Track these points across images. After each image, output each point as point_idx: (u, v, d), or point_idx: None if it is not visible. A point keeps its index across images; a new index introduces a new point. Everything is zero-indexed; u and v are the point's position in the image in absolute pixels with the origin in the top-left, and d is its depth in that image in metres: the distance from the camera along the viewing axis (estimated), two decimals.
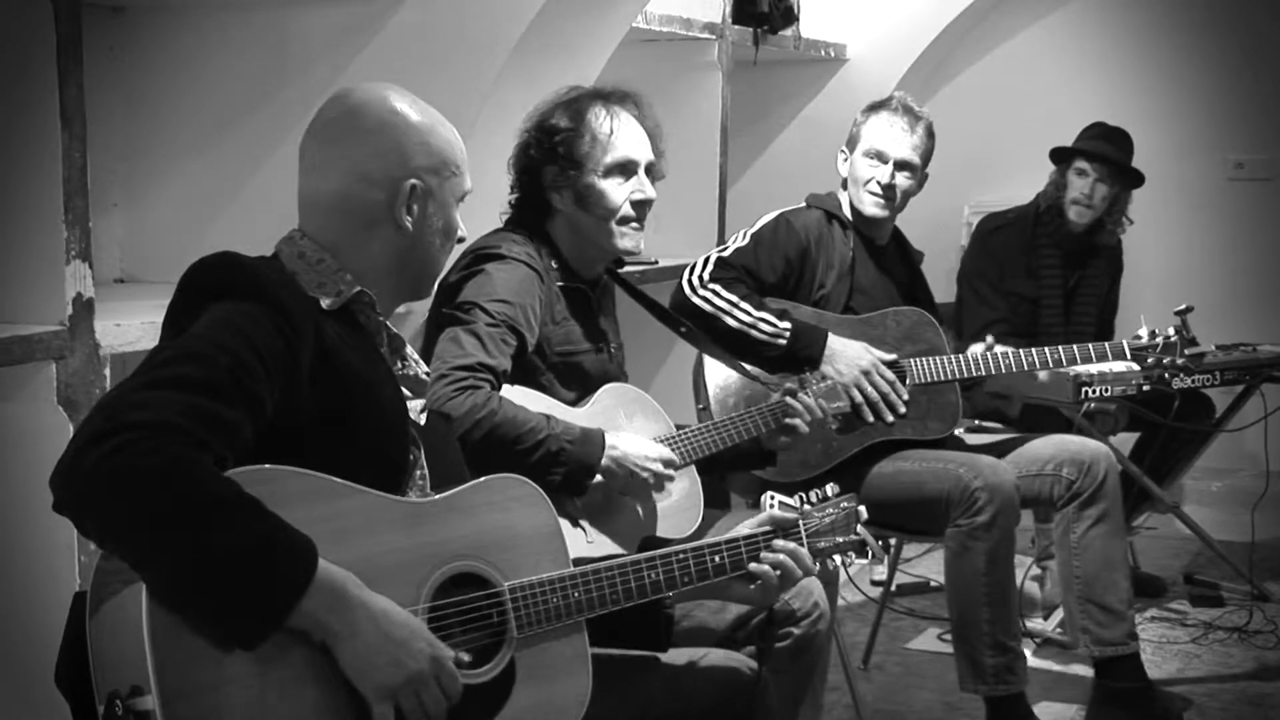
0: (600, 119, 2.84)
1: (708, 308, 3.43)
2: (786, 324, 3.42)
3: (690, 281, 3.48)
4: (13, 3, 2.32)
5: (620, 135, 2.83)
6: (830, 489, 2.33)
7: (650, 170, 2.88)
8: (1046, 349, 3.64)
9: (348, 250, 2.00)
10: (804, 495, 2.30)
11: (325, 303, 1.95)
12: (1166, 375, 3.74)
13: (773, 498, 2.28)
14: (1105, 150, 4.61)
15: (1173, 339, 3.67)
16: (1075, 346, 3.68)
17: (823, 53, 5.60)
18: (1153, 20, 6.18)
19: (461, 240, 2.15)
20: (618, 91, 2.91)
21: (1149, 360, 3.68)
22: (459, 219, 2.10)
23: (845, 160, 3.70)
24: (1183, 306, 3.81)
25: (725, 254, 3.54)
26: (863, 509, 2.32)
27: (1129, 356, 3.70)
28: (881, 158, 3.61)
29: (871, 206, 3.63)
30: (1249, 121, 6.11)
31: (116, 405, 1.66)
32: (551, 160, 2.85)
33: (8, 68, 2.35)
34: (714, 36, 4.59)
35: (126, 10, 3.46)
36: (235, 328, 1.79)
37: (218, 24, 3.42)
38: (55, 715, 1.80)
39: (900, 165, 3.61)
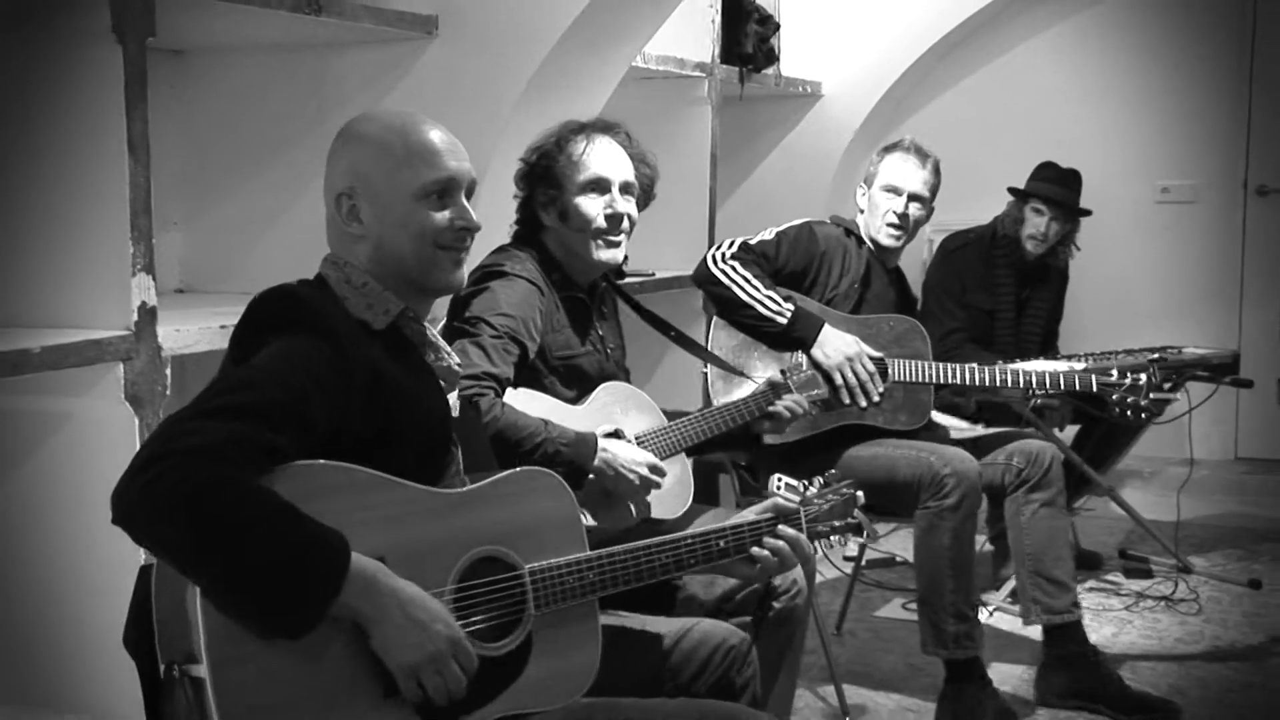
0: (577, 144, 2.81)
1: (724, 278, 3.47)
2: (790, 306, 3.45)
3: (714, 256, 3.52)
4: (87, 46, 2.33)
5: (593, 156, 2.79)
6: (831, 474, 2.29)
7: (627, 189, 2.84)
8: (1020, 369, 3.60)
9: (364, 270, 1.95)
10: (807, 482, 2.25)
11: (376, 326, 1.92)
12: (1129, 414, 3.64)
13: (780, 480, 2.24)
14: (1062, 195, 4.60)
15: (1140, 383, 3.59)
16: (1047, 374, 3.58)
17: (801, 89, 5.60)
18: (1088, 63, 6.25)
19: (468, 229, 1.97)
20: (600, 122, 2.88)
21: (1114, 397, 3.60)
22: (440, 213, 1.94)
23: (864, 195, 3.73)
24: (1157, 356, 3.77)
25: (750, 241, 3.57)
26: (860, 494, 2.27)
27: (1095, 391, 3.62)
28: (897, 191, 3.65)
29: (887, 237, 3.66)
30: (1173, 151, 6.17)
31: (169, 432, 1.64)
32: (539, 183, 2.84)
33: (82, 102, 2.36)
34: (704, 75, 4.59)
35: (186, 53, 3.46)
36: (292, 360, 1.77)
37: (265, 64, 3.42)
38: (125, 672, 1.81)
39: (913, 197, 3.65)
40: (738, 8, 4.89)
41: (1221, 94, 6.12)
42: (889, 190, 3.67)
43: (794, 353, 3.47)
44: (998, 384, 3.55)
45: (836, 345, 3.43)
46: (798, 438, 3.39)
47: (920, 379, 3.52)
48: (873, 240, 3.69)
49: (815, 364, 3.42)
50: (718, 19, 4.67)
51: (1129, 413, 3.58)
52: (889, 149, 3.75)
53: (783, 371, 3.10)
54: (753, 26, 4.96)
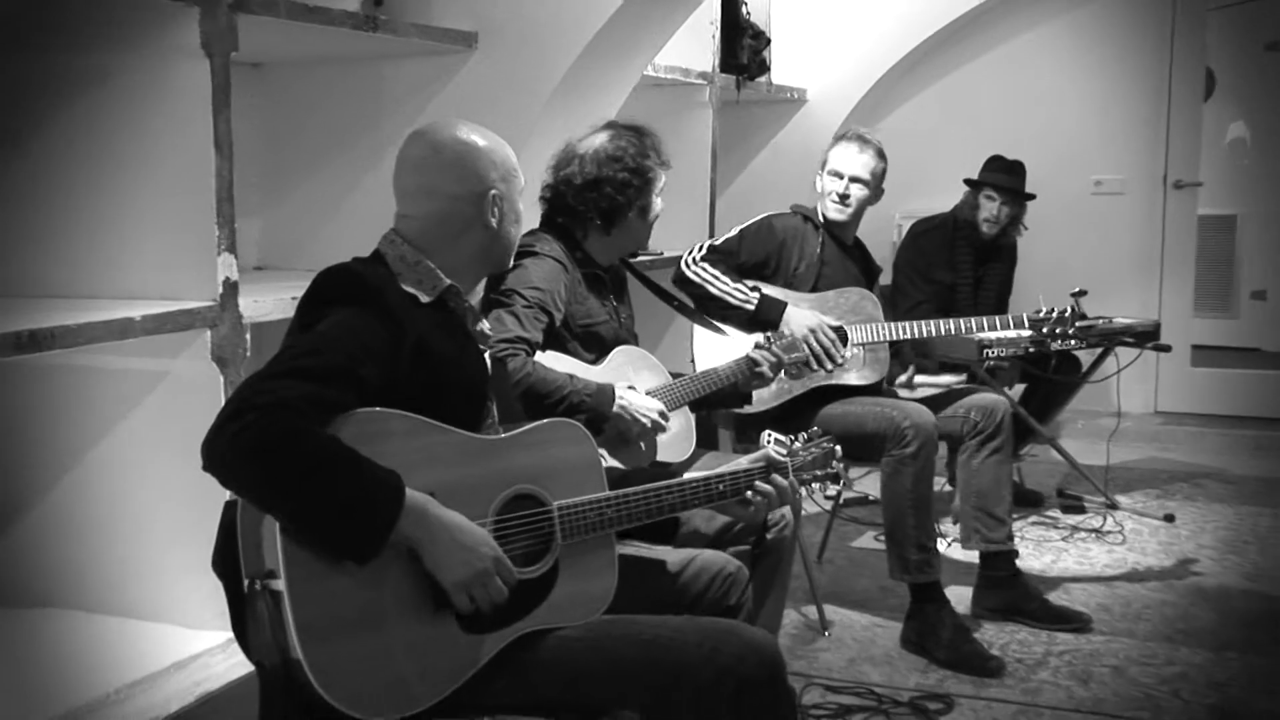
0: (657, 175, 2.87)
1: (696, 279, 3.47)
2: (756, 294, 3.44)
3: (686, 261, 3.52)
4: (180, 60, 2.35)
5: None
6: (814, 431, 2.29)
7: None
8: (961, 319, 3.63)
9: (442, 252, 1.98)
10: (793, 437, 2.26)
11: (424, 298, 1.93)
12: (1060, 343, 3.71)
13: (770, 436, 2.24)
14: (1010, 183, 4.65)
15: (1066, 314, 3.64)
16: (985, 318, 3.66)
17: (789, 95, 5.57)
18: (1035, 73, 6.23)
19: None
20: (632, 127, 2.90)
21: (1044, 330, 3.66)
22: (520, 204, 2.07)
23: (819, 179, 3.70)
24: (1077, 290, 3.79)
25: (716, 243, 3.59)
26: (839, 448, 2.29)
27: (1028, 326, 3.68)
28: (839, 175, 3.63)
29: (833, 211, 3.64)
30: (1105, 149, 6.17)
31: (249, 390, 1.66)
32: (634, 194, 2.85)
33: (175, 108, 2.37)
34: (706, 82, 4.57)
35: (263, 65, 3.46)
36: (351, 329, 1.78)
37: (330, 74, 3.41)
38: (211, 591, 1.84)
39: (854, 179, 3.61)
40: (735, 24, 4.87)
41: (1145, 103, 6.13)
42: (833, 174, 3.64)
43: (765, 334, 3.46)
44: (943, 333, 3.58)
45: (799, 321, 3.41)
46: (778, 403, 3.39)
47: (876, 339, 3.53)
48: (825, 217, 3.66)
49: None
50: (718, 34, 4.64)
51: (1062, 340, 3.65)
52: (837, 139, 3.71)
53: (767, 337, 3.13)
54: (747, 40, 4.93)
